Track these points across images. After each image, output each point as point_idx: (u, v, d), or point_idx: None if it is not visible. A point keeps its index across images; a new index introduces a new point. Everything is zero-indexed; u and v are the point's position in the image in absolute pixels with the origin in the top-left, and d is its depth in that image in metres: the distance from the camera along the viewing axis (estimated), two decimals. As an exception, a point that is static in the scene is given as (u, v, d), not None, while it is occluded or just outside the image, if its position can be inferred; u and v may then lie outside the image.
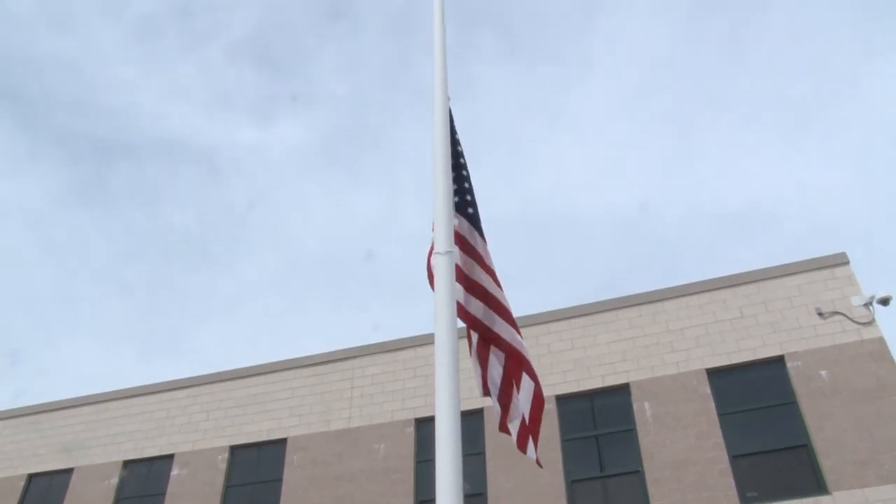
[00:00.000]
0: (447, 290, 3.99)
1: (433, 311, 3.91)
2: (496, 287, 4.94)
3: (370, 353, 15.42)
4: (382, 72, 51.64)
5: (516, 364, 4.78)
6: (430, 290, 4.92)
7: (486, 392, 4.95)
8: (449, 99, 4.85)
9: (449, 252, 4.11)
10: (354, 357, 15.51)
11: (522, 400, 4.74)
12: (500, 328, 4.85)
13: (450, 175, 4.47)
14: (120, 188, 48.53)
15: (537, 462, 4.95)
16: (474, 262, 4.90)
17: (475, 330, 4.93)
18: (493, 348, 4.84)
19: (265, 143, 48.44)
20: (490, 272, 4.95)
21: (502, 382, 4.82)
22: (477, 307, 4.90)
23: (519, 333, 4.91)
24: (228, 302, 46.45)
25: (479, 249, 4.97)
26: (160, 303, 45.87)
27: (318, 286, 49.10)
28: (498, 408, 4.89)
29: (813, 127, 43.81)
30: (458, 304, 4.76)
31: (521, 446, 4.83)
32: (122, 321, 45.39)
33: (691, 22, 45.93)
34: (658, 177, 43.11)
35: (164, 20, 46.50)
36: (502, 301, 4.91)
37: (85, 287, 47.39)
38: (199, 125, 48.89)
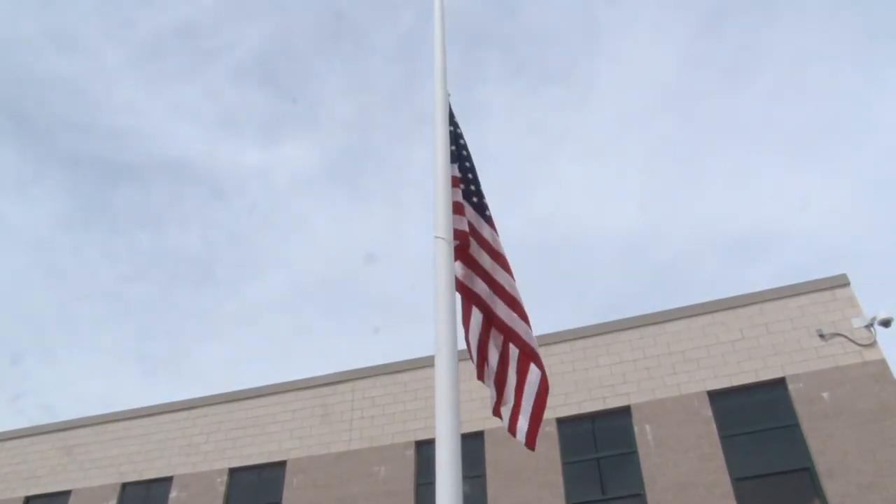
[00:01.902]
0: (447, 279, 3.85)
1: (433, 304, 3.73)
2: (504, 273, 4.98)
3: (371, 376, 15.38)
4: (388, 93, 51.99)
5: (523, 355, 4.78)
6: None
7: (481, 376, 4.94)
8: (449, 95, 4.92)
9: (449, 238, 4.01)
10: (355, 379, 15.47)
11: (527, 393, 4.72)
12: (502, 311, 4.87)
13: (448, 161, 4.54)
14: (124, 209, 48.67)
15: (528, 445, 4.89)
16: (481, 248, 4.98)
17: (479, 308, 4.94)
18: (493, 331, 4.86)
19: (270, 165, 48.66)
20: (498, 257, 5.01)
21: (498, 366, 4.83)
22: (482, 288, 4.95)
23: (527, 322, 4.90)
24: (231, 323, 46.38)
25: (486, 235, 5.07)
26: (162, 324, 45.80)
27: (321, 308, 49.07)
28: (493, 391, 4.89)
29: (815, 150, 44.00)
30: (460, 281, 4.80)
31: (512, 429, 4.82)
32: (123, 342, 45.31)
33: (696, 44, 46.33)
34: (661, 199, 43.21)
35: (168, 41, 46.93)
36: (508, 287, 4.94)
37: (87, 308, 47.35)
38: (204, 146, 49.16)
